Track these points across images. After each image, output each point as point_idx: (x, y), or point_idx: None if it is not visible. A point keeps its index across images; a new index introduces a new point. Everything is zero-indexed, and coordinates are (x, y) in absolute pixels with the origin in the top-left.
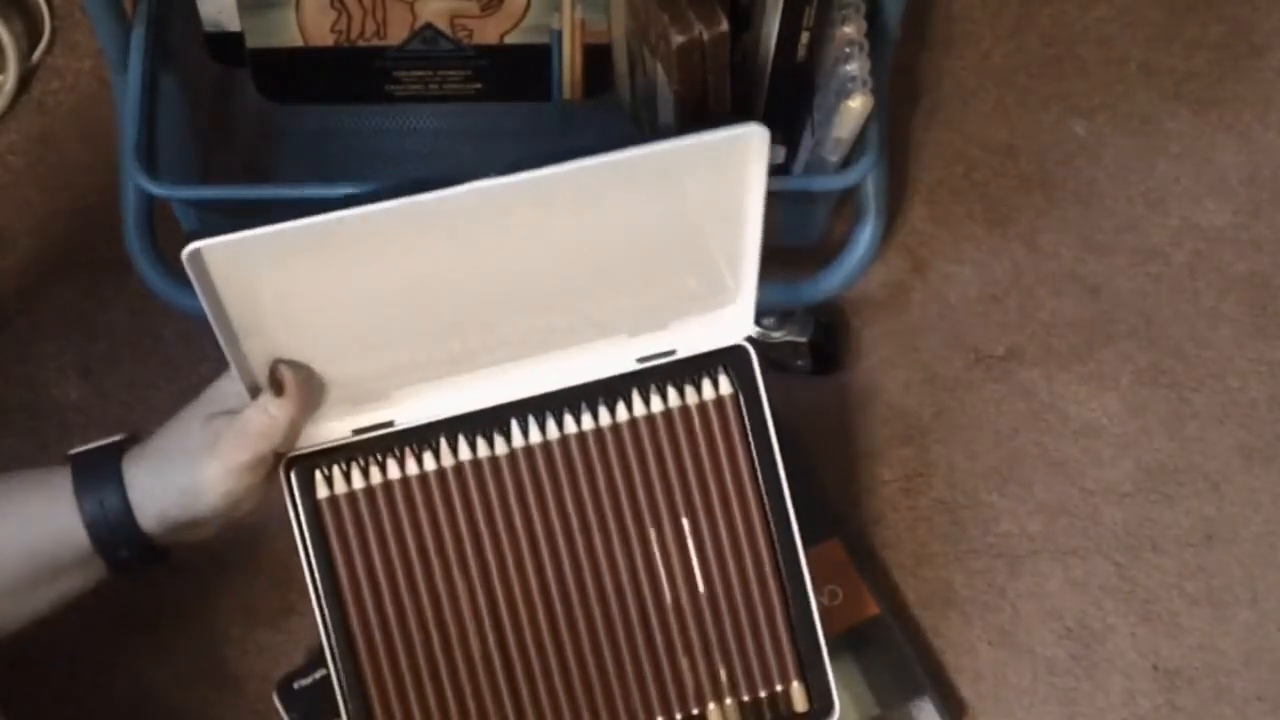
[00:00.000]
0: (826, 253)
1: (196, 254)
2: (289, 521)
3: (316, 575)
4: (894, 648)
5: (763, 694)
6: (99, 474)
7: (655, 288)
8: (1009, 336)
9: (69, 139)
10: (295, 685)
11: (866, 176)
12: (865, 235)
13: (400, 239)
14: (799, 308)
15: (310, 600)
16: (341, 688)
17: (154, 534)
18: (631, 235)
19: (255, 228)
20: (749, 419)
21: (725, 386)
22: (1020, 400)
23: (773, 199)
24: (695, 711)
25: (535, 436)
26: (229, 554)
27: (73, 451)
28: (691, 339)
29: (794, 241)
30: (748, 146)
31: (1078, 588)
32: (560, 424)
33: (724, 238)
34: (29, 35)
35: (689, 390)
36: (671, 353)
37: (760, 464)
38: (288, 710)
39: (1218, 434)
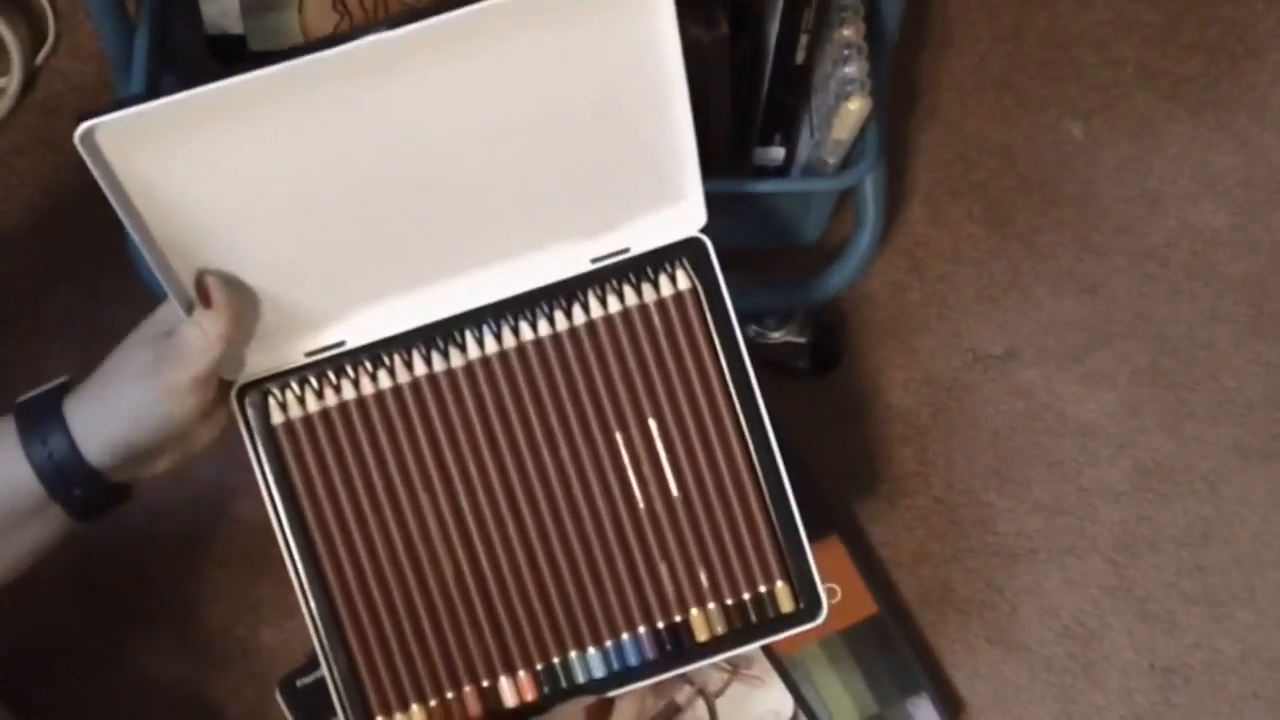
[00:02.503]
0: (825, 254)
1: (89, 135)
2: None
3: (278, 504)
4: (892, 645)
5: (746, 596)
6: (41, 416)
7: (598, 177)
8: (1007, 336)
9: (73, 141)
10: (298, 684)
11: (865, 178)
12: (864, 236)
13: (308, 112)
14: (798, 308)
15: (275, 533)
16: (313, 619)
17: (104, 467)
18: (554, 102)
19: (151, 100)
20: (711, 313)
21: (683, 281)
22: (1018, 400)
23: (772, 200)
24: (678, 618)
25: (491, 346)
26: (234, 554)
27: (18, 400)
28: (646, 236)
29: (793, 243)
30: None
31: (1075, 586)
32: (516, 331)
33: (653, 111)
34: (33, 37)
35: (646, 288)
36: (625, 251)
37: (726, 358)
38: (290, 708)
39: (1215, 433)
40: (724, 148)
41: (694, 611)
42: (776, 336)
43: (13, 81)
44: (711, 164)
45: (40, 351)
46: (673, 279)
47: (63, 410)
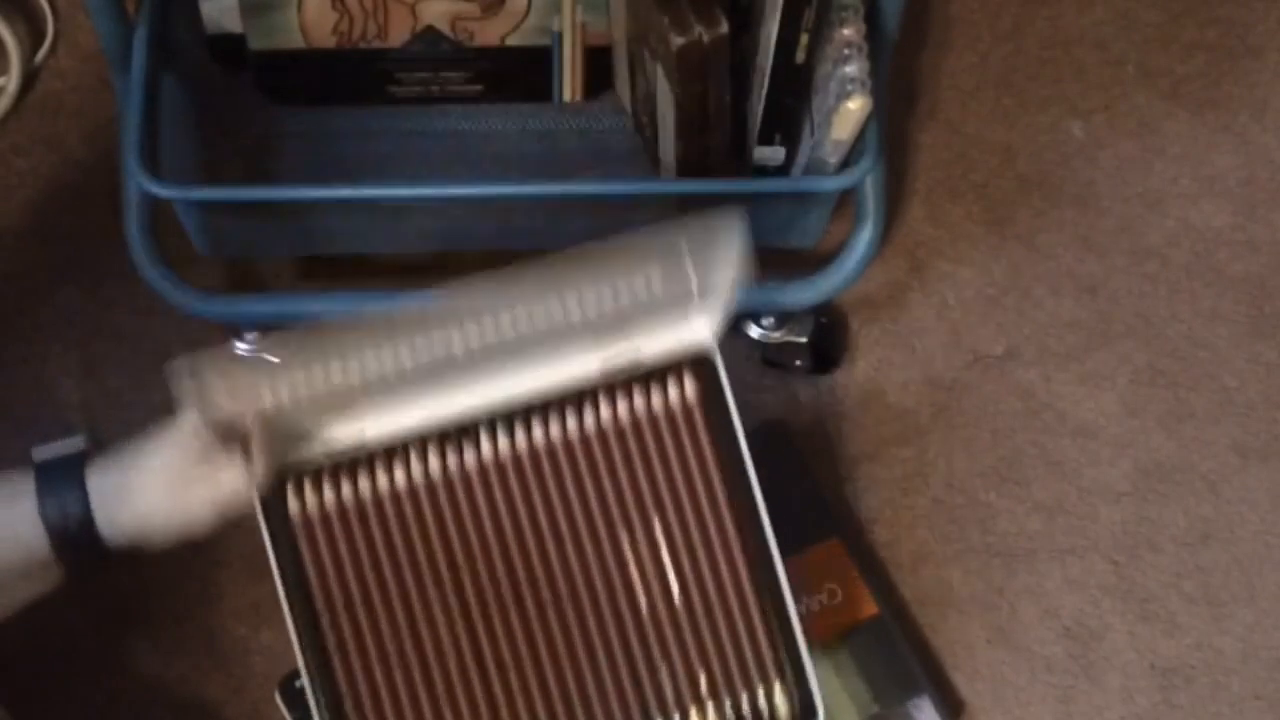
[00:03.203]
0: (825, 254)
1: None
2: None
3: (290, 594)
4: (893, 646)
5: (744, 699)
6: (63, 481)
7: (617, 294)
8: (1007, 336)
9: (72, 140)
10: (297, 684)
11: (865, 178)
12: (864, 236)
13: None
14: (798, 308)
15: (285, 619)
16: (318, 703)
17: (112, 543)
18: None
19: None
20: (715, 422)
21: (690, 391)
22: (1018, 400)
23: (773, 200)
24: (676, 718)
25: (504, 447)
26: (234, 555)
27: (37, 459)
28: (656, 345)
29: (793, 243)
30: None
31: (1075, 586)
32: (529, 434)
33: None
34: (32, 36)
35: (654, 396)
36: (636, 359)
37: (730, 468)
38: (290, 709)
39: (1214, 433)
40: (724, 147)
41: (692, 713)
42: (777, 336)
43: (12, 81)
44: (711, 164)
45: (41, 352)
46: (680, 388)
47: (85, 482)
